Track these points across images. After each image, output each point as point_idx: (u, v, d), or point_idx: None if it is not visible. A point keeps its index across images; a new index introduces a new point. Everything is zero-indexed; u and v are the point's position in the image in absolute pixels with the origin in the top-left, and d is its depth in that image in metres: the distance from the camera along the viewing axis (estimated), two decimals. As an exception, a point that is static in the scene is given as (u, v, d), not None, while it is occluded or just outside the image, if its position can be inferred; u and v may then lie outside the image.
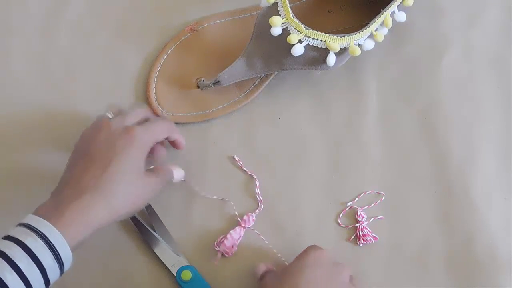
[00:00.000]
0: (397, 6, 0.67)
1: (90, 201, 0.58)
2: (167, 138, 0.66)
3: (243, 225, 0.68)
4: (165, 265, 0.67)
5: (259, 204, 0.69)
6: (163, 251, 0.67)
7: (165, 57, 0.72)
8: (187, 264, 0.67)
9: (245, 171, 0.70)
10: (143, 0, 0.75)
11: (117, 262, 0.67)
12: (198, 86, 0.72)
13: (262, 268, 0.65)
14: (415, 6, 0.69)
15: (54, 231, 0.55)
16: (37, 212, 0.57)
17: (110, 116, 0.64)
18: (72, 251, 0.56)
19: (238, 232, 0.68)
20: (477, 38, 0.75)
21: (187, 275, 0.66)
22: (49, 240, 0.55)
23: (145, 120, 0.65)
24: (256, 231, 0.68)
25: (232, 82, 0.68)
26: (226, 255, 0.67)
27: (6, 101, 0.72)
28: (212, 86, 0.69)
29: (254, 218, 0.68)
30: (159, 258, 0.67)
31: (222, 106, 0.72)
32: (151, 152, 0.64)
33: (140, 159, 0.61)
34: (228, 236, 0.67)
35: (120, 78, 0.73)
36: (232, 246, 0.67)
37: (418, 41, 0.75)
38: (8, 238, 0.55)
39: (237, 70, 0.67)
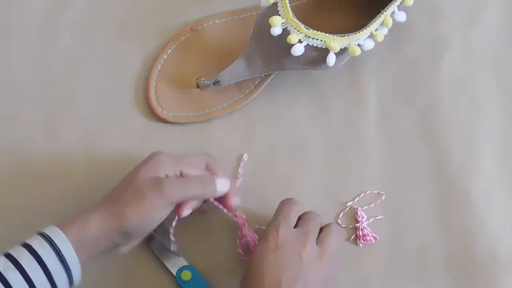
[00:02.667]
0: (397, 6, 0.67)
1: (94, 206, 0.59)
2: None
3: (240, 221, 0.67)
4: (165, 265, 0.67)
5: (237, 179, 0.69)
6: (163, 251, 0.67)
7: (165, 57, 0.72)
8: (187, 264, 0.67)
9: (239, 173, 0.70)
10: (143, 0, 0.75)
11: (117, 262, 0.67)
12: (198, 86, 0.72)
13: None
14: (415, 6, 0.69)
15: (58, 233, 0.56)
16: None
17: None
18: (79, 258, 0.56)
19: (247, 230, 0.67)
20: (477, 38, 0.75)
21: (187, 275, 0.66)
22: (53, 241, 0.55)
23: (207, 170, 0.65)
24: (262, 226, 0.67)
25: (232, 82, 0.68)
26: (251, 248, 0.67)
27: (6, 101, 0.72)
28: (212, 86, 0.69)
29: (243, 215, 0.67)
30: (159, 258, 0.67)
31: (222, 106, 0.72)
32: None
33: (160, 211, 0.60)
34: (248, 239, 0.67)
35: (120, 78, 0.73)
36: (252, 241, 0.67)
37: (418, 41, 0.75)
38: (19, 244, 0.56)
39: (237, 70, 0.67)
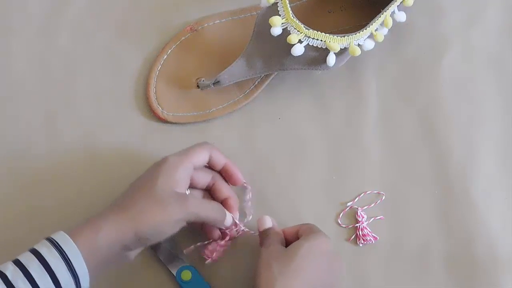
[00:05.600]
0: (397, 6, 0.67)
1: (105, 216, 0.58)
2: (213, 165, 0.66)
3: (228, 232, 0.66)
4: (165, 265, 0.67)
5: (247, 215, 0.69)
6: (163, 251, 0.67)
7: (165, 57, 0.72)
8: (187, 264, 0.67)
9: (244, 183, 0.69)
10: (143, 0, 0.75)
11: (117, 262, 0.67)
12: (198, 86, 0.72)
13: (267, 222, 0.65)
14: (415, 6, 0.69)
15: (68, 240, 0.55)
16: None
17: None
18: (89, 269, 0.56)
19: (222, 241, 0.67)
20: (477, 38, 0.75)
21: (187, 275, 0.66)
22: (63, 250, 0.55)
23: (212, 162, 0.65)
24: (253, 232, 0.67)
25: (232, 82, 0.68)
26: (206, 258, 0.66)
27: (6, 101, 0.72)
28: (212, 86, 0.69)
29: (240, 230, 0.67)
30: (159, 258, 0.67)
31: (222, 106, 0.72)
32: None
33: (165, 178, 0.60)
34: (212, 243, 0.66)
35: (120, 78, 0.73)
36: (213, 252, 0.66)
37: (418, 41, 0.75)
38: (29, 250, 0.56)
39: (237, 70, 0.67)
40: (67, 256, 0.55)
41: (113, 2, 0.75)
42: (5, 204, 0.68)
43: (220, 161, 0.66)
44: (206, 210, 0.62)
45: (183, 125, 0.72)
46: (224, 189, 0.66)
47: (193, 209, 0.60)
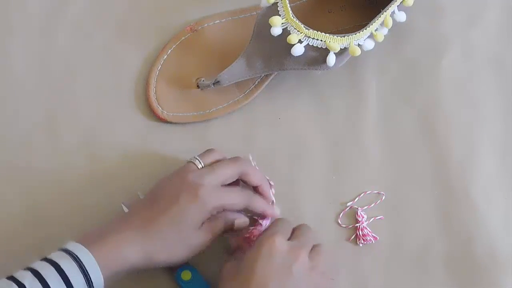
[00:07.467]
0: (397, 6, 0.67)
1: (130, 239, 0.58)
2: (248, 209, 0.65)
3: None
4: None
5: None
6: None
7: (165, 57, 0.72)
8: (187, 264, 0.67)
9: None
10: (143, 0, 0.75)
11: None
12: (198, 86, 0.72)
13: (233, 244, 0.66)
14: (415, 6, 0.69)
15: (89, 257, 0.56)
16: (79, 239, 0.58)
17: (199, 166, 0.64)
18: (104, 283, 0.56)
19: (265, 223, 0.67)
20: (477, 38, 0.75)
21: (187, 275, 0.66)
22: (83, 264, 0.55)
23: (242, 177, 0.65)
24: None
25: (232, 82, 0.68)
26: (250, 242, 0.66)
27: (6, 101, 0.71)
28: (212, 86, 0.69)
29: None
30: (159, 258, 0.67)
31: (222, 106, 0.72)
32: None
33: (195, 218, 0.60)
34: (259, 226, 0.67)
35: (120, 78, 0.73)
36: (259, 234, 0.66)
37: (418, 41, 0.75)
38: (44, 259, 0.56)
39: (237, 70, 0.67)
40: (87, 272, 0.55)
41: (113, 2, 0.75)
42: (5, 204, 0.68)
43: (252, 183, 0.65)
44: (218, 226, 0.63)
45: (183, 125, 0.72)
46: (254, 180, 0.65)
47: (216, 230, 0.62)
